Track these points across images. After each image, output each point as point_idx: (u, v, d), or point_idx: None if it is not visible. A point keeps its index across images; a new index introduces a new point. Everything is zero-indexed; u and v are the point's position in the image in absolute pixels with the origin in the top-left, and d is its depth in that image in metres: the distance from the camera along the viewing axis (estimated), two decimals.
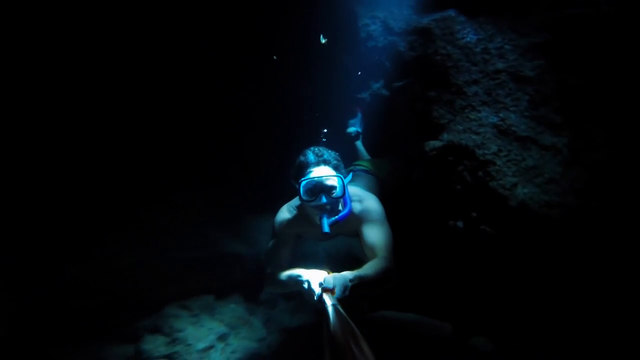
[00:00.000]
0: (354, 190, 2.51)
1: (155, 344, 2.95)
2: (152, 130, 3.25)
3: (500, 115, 2.53)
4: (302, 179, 2.23)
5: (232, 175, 3.52)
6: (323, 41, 3.12)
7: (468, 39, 2.85)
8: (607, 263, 1.98)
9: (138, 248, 2.99)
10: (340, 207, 2.31)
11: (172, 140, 3.34)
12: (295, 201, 2.50)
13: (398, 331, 2.63)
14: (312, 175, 2.22)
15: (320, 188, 2.21)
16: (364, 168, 3.14)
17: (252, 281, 3.39)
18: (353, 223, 2.35)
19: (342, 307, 1.62)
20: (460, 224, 2.56)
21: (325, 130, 3.27)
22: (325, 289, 1.75)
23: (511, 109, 2.52)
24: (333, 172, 2.24)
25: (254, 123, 3.48)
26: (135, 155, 3.21)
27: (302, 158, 2.30)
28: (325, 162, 2.27)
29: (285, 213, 2.54)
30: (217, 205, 3.50)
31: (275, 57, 3.33)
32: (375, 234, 2.28)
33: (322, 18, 3.33)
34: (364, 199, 2.43)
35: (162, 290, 3.20)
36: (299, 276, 2.05)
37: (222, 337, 3.14)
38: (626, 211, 1.93)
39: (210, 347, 3.06)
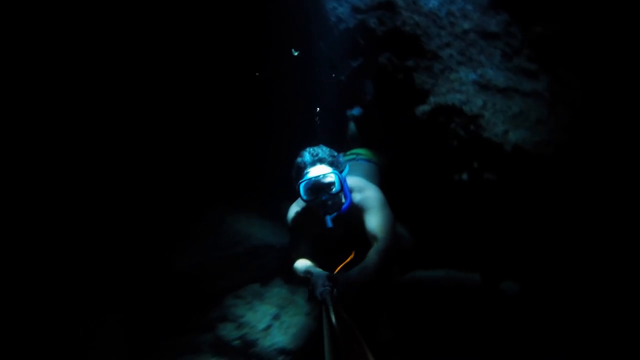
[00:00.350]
0: (353, 181, 2.60)
1: (227, 330, 3.51)
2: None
3: (478, 72, 2.78)
4: (301, 180, 2.34)
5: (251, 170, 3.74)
6: (295, 54, 3.25)
7: (431, 5, 3.04)
8: (600, 191, 2.30)
9: (196, 250, 3.33)
10: (342, 200, 2.42)
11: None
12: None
13: (430, 288, 2.93)
14: (309, 175, 2.32)
15: (318, 186, 2.33)
16: (363, 157, 3.26)
17: (286, 266, 3.73)
18: (355, 214, 2.45)
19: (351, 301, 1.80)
20: (465, 176, 2.85)
21: (318, 109, 3.47)
22: (325, 293, 1.89)
23: (486, 64, 2.77)
24: (329, 169, 2.36)
25: (255, 117, 3.65)
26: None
27: (299, 159, 2.40)
28: (321, 161, 2.37)
29: (294, 208, 2.66)
30: (242, 203, 3.78)
31: (256, 71, 3.48)
32: (374, 219, 2.36)
33: (289, 9, 3.44)
34: (363, 189, 2.53)
35: (218, 284, 3.69)
36: (307, 273, 2.23)
37: (276, 317, 3.60)
38: (609, 141, 2.25)
39: (269, 326, 3.54)
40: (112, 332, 2.89)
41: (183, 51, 3.38)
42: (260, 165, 3.70)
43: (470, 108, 2.73)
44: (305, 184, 2.35)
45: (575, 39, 2.47)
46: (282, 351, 3.40)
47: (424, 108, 2.97)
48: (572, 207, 2.40)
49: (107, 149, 3.22)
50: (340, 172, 2.43)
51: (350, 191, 2.48)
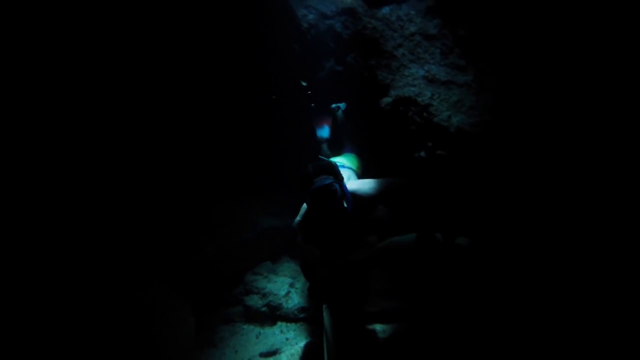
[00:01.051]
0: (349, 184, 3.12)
1: (254, 301, 4.17)
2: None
3: (425, 68, 3.35)
4: (309, 191, 2.69)
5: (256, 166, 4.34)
6: (304, 84, 3.72)
7: (383, 11, 3.57)
8: (521, 157, 2.91)
9: (220, 237, 4.03)
10: (345, 205, 2.87)
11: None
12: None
13: (405, 249, 3.56)
14: (316, 186, 2.67)
15: (324, 193, 2.69)
16: (342, 164, 3.75)
17: (291, 244, 4.44)
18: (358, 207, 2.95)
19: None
20: (422, 153, 3.46)
21: (313, 105, 4.06)
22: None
23: (431, 61, 3.33)
24: (332, 179, 2.78)
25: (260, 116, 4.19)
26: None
27: (303, 172, 2.77)
28: (324, 171, 2.79)
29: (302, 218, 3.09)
30: (247, 194, 4.45)
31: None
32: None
33: (264, 16, 3.94)
34: (353, 186, 3.13)
35: (238, 264, 4.33)
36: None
37: (291, 285, 4.30)
38: (520, 118, 2.85)
39: (288, 292, 4.25)
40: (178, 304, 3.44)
41: (194, 55, 3.81)
42: (260, 159, 4.31)
43: (422, 99, 3.32)
44: (314, 193, 2.70)
45: (489, 38, 3.03)
46: (302, 309, 4.14)
47: (386, 100, 3.56)
48: (500, 173, 3.02)
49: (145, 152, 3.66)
50: (341, 180, 2.92)
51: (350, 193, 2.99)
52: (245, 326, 3.46)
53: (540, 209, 2.95)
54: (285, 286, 4.23)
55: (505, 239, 3.12)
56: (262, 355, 2.75)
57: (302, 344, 2.99)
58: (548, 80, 2.84)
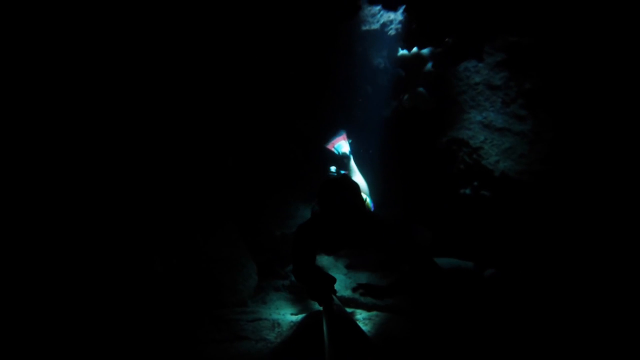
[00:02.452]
0: None
1: None
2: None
3: (483, 114, 3.55)
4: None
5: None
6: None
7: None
8: (566, 207, 3.00)
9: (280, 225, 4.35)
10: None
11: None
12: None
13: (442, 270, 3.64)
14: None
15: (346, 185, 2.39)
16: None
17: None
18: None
19: None
20: (468, 191, 3.61)
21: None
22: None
23: (490, 109, 3.53)
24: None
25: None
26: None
27: (326, 189, 2.38)
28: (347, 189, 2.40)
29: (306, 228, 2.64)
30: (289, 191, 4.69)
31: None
32: None
33: (347, 63, 4.44)
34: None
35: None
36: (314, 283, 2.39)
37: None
38: (571, 169, 2.96)
39: None
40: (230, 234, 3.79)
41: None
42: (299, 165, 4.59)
43: (475, 142, 3.51)
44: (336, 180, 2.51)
45: (554, 93, 3.20)
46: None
47: (443, 139, 3.78)
48: (542, 219, 3.11)
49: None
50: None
51: None
52: (287, 295, 3.78)
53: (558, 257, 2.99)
54: None
55: (524, 274, 3.15)
56: (291, 314, 3.20)
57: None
58: (605, 140, 2.96)
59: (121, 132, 3.12)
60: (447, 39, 3.81)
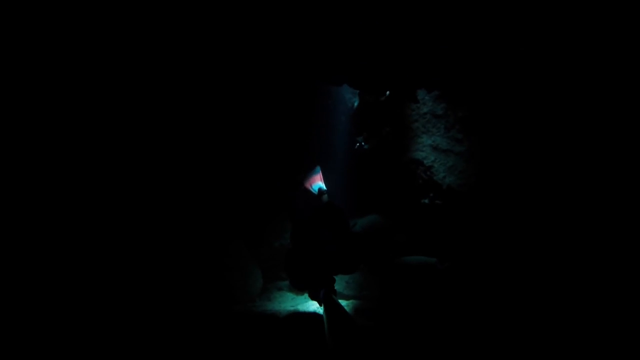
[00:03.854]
0: None
1: None
2: None
3: (432, 138, 4.35)
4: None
5: None
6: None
7: None
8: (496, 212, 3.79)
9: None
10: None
11: None
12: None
13: (412, 266, 4.43)
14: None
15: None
16: None
17: None
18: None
19: None
20: (426, 200, 4.41)
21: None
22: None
23: (437, 134, 4.34)
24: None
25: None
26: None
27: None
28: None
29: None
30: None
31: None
32: None
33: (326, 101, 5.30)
34: None
35: None
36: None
37: None
38: (498, 181, 3.76)
39: None
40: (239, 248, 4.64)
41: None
42: None
43: (427, 161, 4.31)
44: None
45: (480, 118, 4.00)
46: None
47: (403, 159, 4.59)
48: (478, 220, 3.91)
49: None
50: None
51: None
52: (288, 294, 4.62)
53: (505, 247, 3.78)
54: None
55: (477, 265, 3.93)
56: (291, 307, 4.09)
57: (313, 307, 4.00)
58: (523, 154, 3.74)
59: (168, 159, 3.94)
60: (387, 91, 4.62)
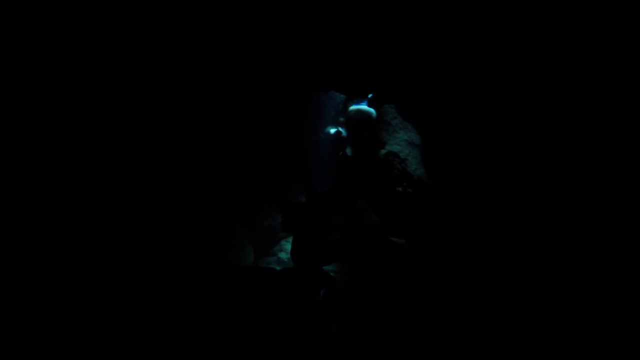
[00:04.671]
0: None
1: (283, 255, 5.74)
2: None
3: (408, 134, 4.89)
4: None
5: None
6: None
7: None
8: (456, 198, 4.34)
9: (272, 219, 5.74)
10: None
11: None
12: None
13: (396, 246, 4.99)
14: None
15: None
16: None
17: None
18: None
19: None
20: (400, 189, 4.96)
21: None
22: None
23: (412, 130, 4.87)
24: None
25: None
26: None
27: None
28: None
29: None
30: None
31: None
32: None
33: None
34: None
35: (278, 235, 5.97)
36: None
37: None
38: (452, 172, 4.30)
39: None
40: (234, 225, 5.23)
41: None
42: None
43: (403, 154, 4.85)
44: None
45: (446, 119, 4.53)
46: None
47: (382, 151, 5.12)
48: (444, 207, 4.47)
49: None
50: None
51: None
52: (277, 267, 5.23)
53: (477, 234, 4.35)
54: None
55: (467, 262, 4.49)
56: None
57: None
58: (479, 152, 4.29)
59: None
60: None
